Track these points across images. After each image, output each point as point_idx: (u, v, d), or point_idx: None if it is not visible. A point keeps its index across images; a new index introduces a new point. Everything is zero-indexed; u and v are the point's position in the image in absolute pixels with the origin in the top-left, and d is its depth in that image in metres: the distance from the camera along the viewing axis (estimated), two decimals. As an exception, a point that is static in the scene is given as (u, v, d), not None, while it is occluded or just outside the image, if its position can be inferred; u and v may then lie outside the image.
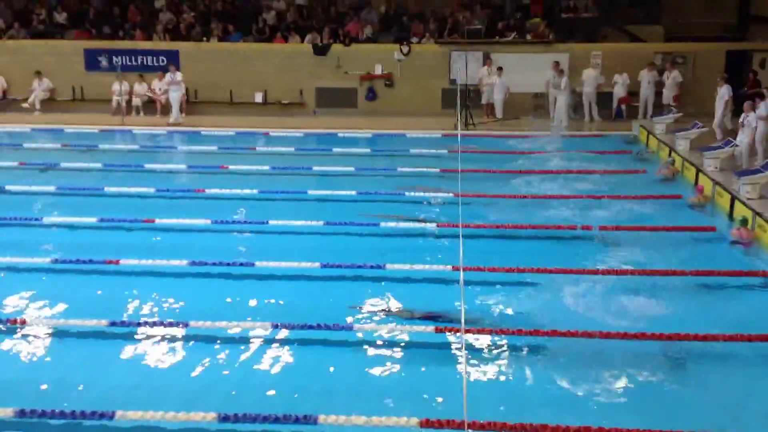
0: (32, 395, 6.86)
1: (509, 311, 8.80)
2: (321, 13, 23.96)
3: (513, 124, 20.17)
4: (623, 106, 20.58)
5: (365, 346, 8.03)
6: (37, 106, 21.39)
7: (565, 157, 16.35)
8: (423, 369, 7.59)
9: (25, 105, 21.39)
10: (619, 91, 20.50)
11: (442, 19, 23.08)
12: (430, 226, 11.71)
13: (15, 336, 8.07)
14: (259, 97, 21.83)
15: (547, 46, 21.41)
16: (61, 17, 23.62)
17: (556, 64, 20.07)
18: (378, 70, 21.76)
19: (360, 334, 8.23)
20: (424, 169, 15.36)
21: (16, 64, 21.71)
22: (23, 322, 8.28)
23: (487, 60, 21.08)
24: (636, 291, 9.08)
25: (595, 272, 9.66)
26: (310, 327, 8.16)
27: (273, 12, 23.69)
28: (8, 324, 8.24)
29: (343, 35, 22.43)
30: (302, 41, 22.45)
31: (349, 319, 8.50)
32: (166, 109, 20.96)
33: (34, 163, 15.66)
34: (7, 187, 13.61)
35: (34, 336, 8.11)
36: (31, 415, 6.43)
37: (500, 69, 20.51)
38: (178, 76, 20.52)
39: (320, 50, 21.79)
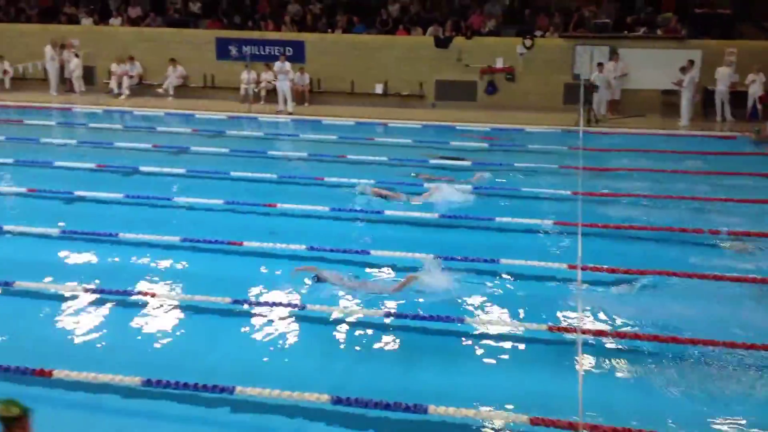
0: (158, 366, 7.23)
1: (627, 314, 8.54)
2: (444, 5, 23.96)
3: (638, 122, 19.51)
4: (759, 106, 19.48)
5: (475, 340, 8.01)
6: (171, 92, 22.48)
7: (690, 157, 15.68)
8: (535, 367, 7.49)
9: (159, 90, 22.54)
10: (756, 90, 19.41)
11: (568, 12, 22.58)
12: (546, 223, 11.50)
13: (145, 309, 8.53)
14: (379, 89, 22.09)
15: (679, 42, 20.55)
16: (195, 7, 24.69)
17: (691, 63, 19.26)
18: (499, 63, 21.54)
19: (472, 328, 8.22)
20: (543, 165, 15.13)
21: (152, 51, 22.87)
22: (153, 295, 8.74)
23: (614, 55, 20.47)
24: (763, 301, 8.63)
25: (721, 278, 9.24)
26: (422, 318, 8.23)
27: (397, 5, 23.87)
28: (140, 296, 8.73)
29: (466, 28, 22.34)
30: (424, 33, 22.53)
31: (460, 313, 8.50)
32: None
33: (166, 146, 16.49)
34: (141, 168, 14.39)
35: (163, 309, 8.55)
36: (157, 384, 6.79)
37: (600, 65, 19.85)
38: (287, 65, 21.06)
39: (442, 43, 21.79)
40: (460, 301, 8.80)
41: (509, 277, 9.53)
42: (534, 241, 10.99)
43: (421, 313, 8.28)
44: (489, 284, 9.30)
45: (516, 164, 15.32)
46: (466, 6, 23.81)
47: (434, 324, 8.15)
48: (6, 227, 10.83)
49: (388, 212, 11.86)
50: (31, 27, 23.94)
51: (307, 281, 9.15)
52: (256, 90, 21.93)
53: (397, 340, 7.96)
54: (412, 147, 17.01)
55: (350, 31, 23.13)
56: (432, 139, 17.79)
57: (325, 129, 18.98)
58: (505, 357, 7.73)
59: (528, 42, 21.23)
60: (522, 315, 8.49)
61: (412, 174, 14.30)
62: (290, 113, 20.74)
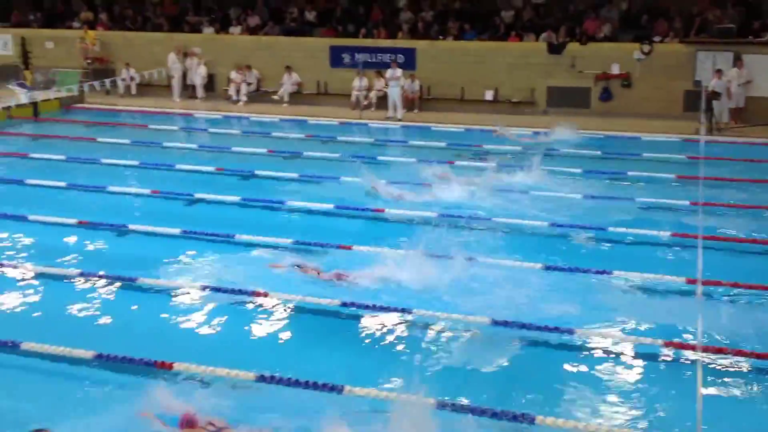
0: (271, 362, 7.46)
1: (749, 331, 8.12)
2: (558, 11, 23.56)
3: (763, 131, 18.55)
4: None
5: (586, 353, 7.84)
6: (286, 99, 23.13)
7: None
8: (648, 384, 7.25)
9: (275, 97, 23.24)
10: None
11: (689, 17, 21.73)
12: (663, 234, 11.09)
13: (257, 308, 8.81)
14: (489, 95, 21.96)
15: (810, 47, 19.42)
16: (311, 15, 25.32)
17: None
18: (615, 69, 20.98)
19: (583, 340, 8.04)
20: (658, 175, 14.62)
21: (269, 59, 23.60)
22: (265, 295, 9.01)
23: (737, 61, 19.56)
24: None
25: None
26: (528, 327, 8.11)
27: (511, 11, 23.68)
28: (252, 296, 9.01)
29: (580, 33, 21.89)
30: (536, 40, 22.24)
31: (571, 323, 8.32)
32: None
33: (281, 150, 16.97)
34: (257, 172, 14.87)
35: (273, 309, 8.80)
36: (270, 380, 7.01)
37: (719, 71, 18.90)
38: (398, 72, 21.24)
39: (555, 49, 21.44)
40: (571, 311, 8.62)
41: (623, 289, 9.26)
42: (650, 253, 10.64)
43: (534, 323, 8.16)
44: (601, 296, 9.06)
45: (630, 173, 14.88)
46: (581, 11, 23.33)
47: (546, 334, 8.02)
48: (131, 226, 11.43)
49: (496, 219, 11.75)
50: (157, 35, 25.20)
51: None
52: (367, 97, 22.25)
53: (513, 350, 7.89)
54: (521, 154, 16.80)
55: (462, 38, 23.11)
56: (542, 146, 17.48)
57: (434, 135, 19.02)
58: (617, 371, 7.52)
59: (646, 47, 20.58)
60: (636, 329, 8.23)
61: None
62: (399, 120, 20.93)
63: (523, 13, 23.64)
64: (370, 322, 8.42)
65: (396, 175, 14.37)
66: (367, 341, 8.11)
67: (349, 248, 10.49)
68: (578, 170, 15.07)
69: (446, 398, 6.64)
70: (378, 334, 8.20)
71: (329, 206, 12.55)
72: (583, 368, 7.56)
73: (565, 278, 9.52)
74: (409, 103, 22.00)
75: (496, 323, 8.22)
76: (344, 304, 8.65)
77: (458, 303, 8.72)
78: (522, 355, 7.77)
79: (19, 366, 7.43)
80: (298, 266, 9.60)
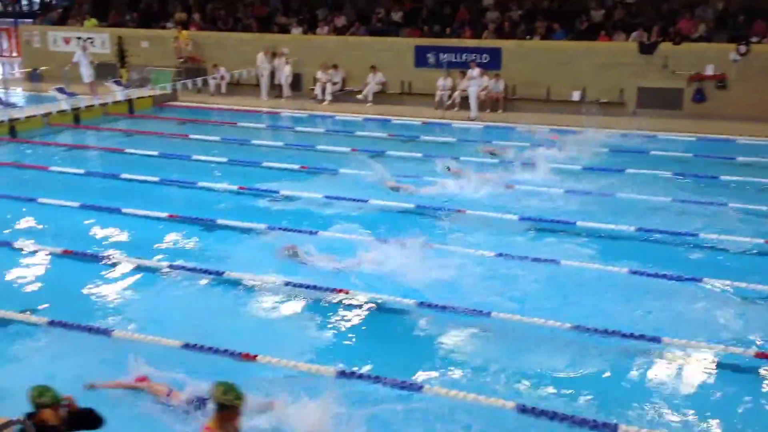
0: (353, 358, 7.56)
1: None
2: (651, 10, 22.91)
3: None
4: None
5: (674, 361, 7.64)
6: (370, 98, 23.32)
7: None
8: (736, 394, 7.01)
9: (359, 96, 23.45)
10: None
11: (790, 15, 20.80)
12: (757, 241, 10.65)
13: (339, 305, 8.92)
14: (576, 96, 21.56)
15: None
16: (397, 16, 25.44)
17: None
18: (709, 70, 20.28)
19: (670, 348, 7.82)
20: (754, 180, 14.06)
21: (354, 58, 23.84)
22: (346, 293, 9.11)
23: (843, 61, 18.61)
24: None
25: None
26: (612, 333, 7.93)
27: (601, 10, 23.19)
28: (335, 293, 9.12)
29: (674, 33, 21.23)
30: (627, 39, 21.70)
31: (657, 332, 8.10)
32: (483, 105, 21.67)
33: (364, 149, 17.07)
34: (341, 170, 15.05)
35: (355, 306, 8.89)
36: (350, 375, 7.10)
37: None
38: (476, 72, 21.10)
39: (646, 49, 20.88)
40: (656, 319, 8.40)
41: (713, 297, 8.96)
42: (742, 261, 10.25)
43: (621, 330, 7.98)
44: (690, 304, 8.80)
45: (722, 177, 14.37)
46: (674, 11, 22.63)
47: (630, 342, 7.84)
48: (219, 221, 11.76)
49: (580, 224, 11.55)
50: (246, 36, 25.81)
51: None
52: (451, 96, 22.21)
53: (590, 355, 7.77)
54: (607, 156, 16.45)
55: (549, 37, 22.77)
56: (631, 149, 17.06)
57: (516, 136, 18.80)
58: (705, 380, 7.31)
59: (743, 48, 19.80)
60: (725, 338, 7.96)
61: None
62: (472, 119, 20.80)
63: (614, 13, 23.09)
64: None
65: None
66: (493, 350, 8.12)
67: (430, 246, 10.49)
68: (668, 173, 14.65)
69: (529, 404, 6.58)
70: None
71: (410, 206, 12.60)
72: (670, 377, 7.36)
73: (652, 284, 9.28)
74: (494, 103, 21.85)
75: (579, 329, 8.08)
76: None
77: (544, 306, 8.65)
78: (609, 362, 7.61)
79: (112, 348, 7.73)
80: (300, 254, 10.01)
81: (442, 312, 8.50)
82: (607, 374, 7.39)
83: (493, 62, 22.25)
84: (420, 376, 7.20)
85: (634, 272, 9.58)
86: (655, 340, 7.83)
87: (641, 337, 7.82)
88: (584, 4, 23.66)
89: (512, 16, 23.93)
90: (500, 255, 10.12)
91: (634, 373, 7.39)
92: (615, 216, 11.86)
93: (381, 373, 7.16)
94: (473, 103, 21.17)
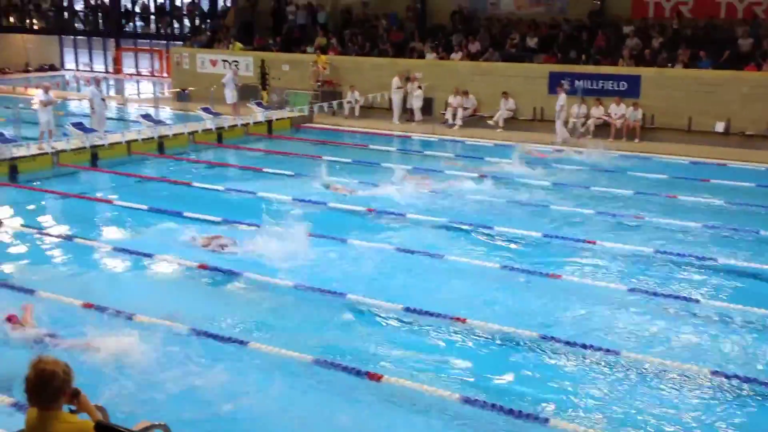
0: (477, 387, 7.55)
1: None
2: (806, 38, 21.58)
3: None
4: None
5: (714, 391, 7.41)
6: (501, 124, 23.20)
7: None
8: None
9: (490, 122, 23.39)
10: None
11: None
12: None
13: (457, 333, 8.85)
14: (720, 127, 20.59)
15: None
16: (532, 42, 25.23)
17: None
18: None
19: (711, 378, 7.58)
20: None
21: (487, 84, 23.82)
22: (464, 321, 9.00)
23: None
24: None
25: None
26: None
27: (750, 39, 22.06)
28: (451, 320, 8.98)
29: (831, 62, 19.89)
30: (778, 69, 20.53)
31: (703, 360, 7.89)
32: (619, 133, 21.11)
33: (493, 175, 16.90)
34: (467, 196, 15.01)
35: (475, 335, 8.79)
36: (474, 404, 7.04)
37: None
38: (562, 97, 21.16)
39: (799, 79, 19.67)
40: (705, 348, 8.24)
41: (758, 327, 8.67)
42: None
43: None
44: (733, 335, 8.60)
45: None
46: (833, 38, 21.22)
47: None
48: (349, 240, 12.00)
49: (722, 260, 11.01)
50: (381, 60, 26.36)
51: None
52: (584, 124, 21.74)
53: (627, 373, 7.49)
54: (755, 192, 15.57)
55: (693, 66, 21.88)
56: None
57: (656, 167, 18.12)
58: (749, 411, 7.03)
59: None
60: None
61: None
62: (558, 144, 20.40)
63: (764, 42, 21.90)
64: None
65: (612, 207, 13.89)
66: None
67: (559, 277, 10.31)
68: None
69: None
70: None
71: (536, 234, 12.43)
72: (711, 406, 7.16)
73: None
74: (631, 132, 21.22)
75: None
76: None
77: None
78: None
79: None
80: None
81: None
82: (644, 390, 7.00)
83: (631, 90, 21.65)
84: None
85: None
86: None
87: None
88: (731, 32, 22.59)
89: (653, 44, 23.18)
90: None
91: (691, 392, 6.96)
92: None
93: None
94: (559, 128, 21.04)
